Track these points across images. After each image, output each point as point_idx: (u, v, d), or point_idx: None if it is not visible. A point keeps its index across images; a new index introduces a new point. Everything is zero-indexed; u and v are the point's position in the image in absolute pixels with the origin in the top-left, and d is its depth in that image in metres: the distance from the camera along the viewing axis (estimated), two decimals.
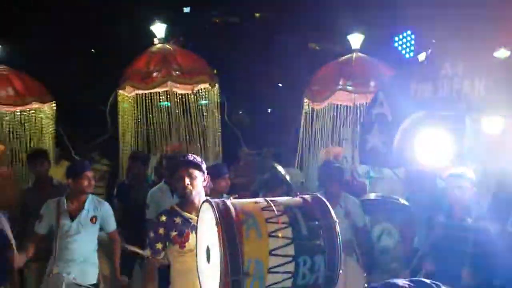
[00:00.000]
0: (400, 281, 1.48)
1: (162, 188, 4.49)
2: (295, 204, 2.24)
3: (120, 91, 6.96)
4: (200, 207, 2.28)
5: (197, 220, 2.32)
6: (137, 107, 7.12)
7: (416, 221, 3.93)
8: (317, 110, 6.97)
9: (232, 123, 7.57)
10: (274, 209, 2.16)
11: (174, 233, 2.76)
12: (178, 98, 7.09)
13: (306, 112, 7.02)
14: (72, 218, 3.73)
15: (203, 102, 7.53)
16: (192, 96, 7.18)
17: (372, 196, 4.35)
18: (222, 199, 2.18)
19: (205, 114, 7.50)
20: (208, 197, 2.37)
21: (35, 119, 7.05)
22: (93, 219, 3.77)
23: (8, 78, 6.73)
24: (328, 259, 2.12)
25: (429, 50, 3.95)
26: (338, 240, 2.15)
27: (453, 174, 3.34)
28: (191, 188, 2.79)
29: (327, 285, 2.16)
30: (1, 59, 7.03)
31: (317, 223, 2.16)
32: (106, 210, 3.88)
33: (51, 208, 3.76)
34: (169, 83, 6.71)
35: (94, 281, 3.75)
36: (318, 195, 2.32)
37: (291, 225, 2.12)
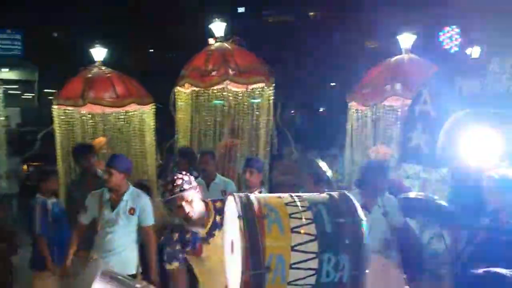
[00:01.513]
0: (503, 270, 1.43)
1: (199, 182, 4.61)
2: (321, 200, 2.20)
3: (178, 88, 7.18)
4: (226, 201, 2.30)
5: (209, 229, 2.37)
6: (192, 104, 7.31)
7: (460, 224, 3.75)
8: (363, 110, 6.82)
9: (284, 122, 7.58)
10: (298, 204, 2.13)
11: (188, 249, 2.86)
12: (232, 96, 7.21)
13: (353, 113, 6.90)
14: (112, 209, 3.87)
15: (255, 100, 7.61)
16: (246, 94, 7.28)
17: (412, 195, 4.18)
18: (246, 193, 2.18)
19: (257, 113, 7.58)
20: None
21: (138, 119, 7.54)
22: (131, 210, 3.88)
23: (111, 80, 7.19)
24: (354, 258, 2.07)
25: (484, 45, 3.76)
26: (364, 238, 2.09)
27: (498, 175, 3.16)
28: (192, 212, 2.82)
29: (353, 285, 2.11)
30: (105, 61, 7.52)
31: (342, 220, 2.11)
32: (145, 203, 3.98)
33: (95, 199, 3.92)
34: (226, 82, 6.84)
35: (133, 272, 3.86)
36: (346, 192, 2.27)
37: (315, 222, 2.08)
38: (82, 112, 7.49)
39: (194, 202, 2.83)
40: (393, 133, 6.48)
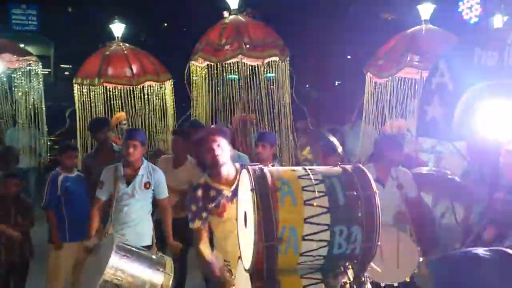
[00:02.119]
0: (480, 250, 1.44)
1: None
2: (334, 173, 2.20)
3: (193, 62, 7.17)
4: (240, 173, 2.32)
5: (234, 188, 2.37)
6: (208, 78, 7.32)
7: (475, 197, 3.71)
8: (380, 83, 6.72)
9: (299, 97, 7.54)
10: (312, 177, 2.14)
11: (211, 205, 2.85)
12: (248, 70, 7.18)
13: (369, 86, 6.80)
14: (128, 183, 3.92)
15: (270, 74, 7.56)
16: (262, 68, 7.24)
17: (424, 170, 4.14)
18: (260, 166, 2.19)
19: (271, 87, 7.55)
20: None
21: (156, 95, 7.62)
22: (146, 185, 3.93)
23: (127, 58, 7.29)
24: (366, 230, 2.08)
25: (504, 16, 3.65)
26: (377, 211, 2.10)
27: None
28: (221, 156, 2.84)
29: (364, 256, 2.13)
30: (124, 36, 7.57)
31: (355, 193, 2.11)
32: (159, 177, 4.03)
33: (109, 174, 3.97)
34: (240, 56, 6.79)
35: (149, 243, 3.93)
36: (360, 165, 2.27)
37: (328, 194, 2.09)
38: (101, 88, 7.58)
39: (224, 148, 2.86)
40: (409, 106, 6.38)
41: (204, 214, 2.86)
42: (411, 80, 6.50)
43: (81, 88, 7.45)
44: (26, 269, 4.49)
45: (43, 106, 7.72)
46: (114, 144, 5.10)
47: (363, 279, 2.15)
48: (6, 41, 7.65)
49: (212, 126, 6.18)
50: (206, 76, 7.29)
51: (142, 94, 7.70)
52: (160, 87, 7.69)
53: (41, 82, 7.70)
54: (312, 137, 6.39)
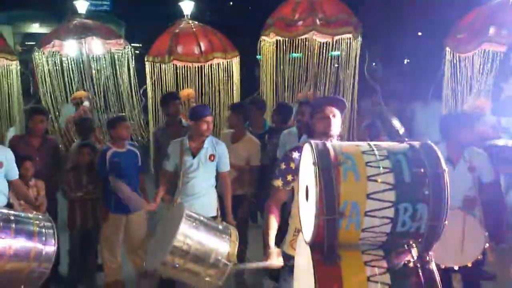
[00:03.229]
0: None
1: (291, 131, 4.66)
2: (401, 149, 2.13)
3: (263, 37, 7.18)
4: (303, 148, 2.30)
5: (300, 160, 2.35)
6: (277, 55, 7.32)
7: None
8: (461, 59, 6.31)
9: (369, 75, 7.36)
10: (376, 153, 2.09)
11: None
12: (316, 47, 7.09)
13: (448, 61, 6.44)
14: (194, 156, 4.04)
15: (335, 53, 7.42)
16: (330, 45, 7.12)
17: (501, 143, 3.86)
18: (323, 141, 2.17)
19: (336, 65, 7.42)
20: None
21: (223, 72, 7.82)
22: (211, 157, 4.05)
23: (196, 35, 7.49)
24: (433, 209, 2.01)
25: None
26: (446, 190, 2.01)
27: None
28: (333, 128, 2.78)
29: (430, 235, 2.06)
30: (192, 14, 7.80)
31: (422, 170, 2.04)
32: (223, 150, 4.13)
33: (176, 147, 4.11)
34: (312, 32, 6.71)
35: (214, 214, 4.06)
36: (429, 142, 2.18)
37: (393, 171, 2.03)
38: (170, 66, 7.81)
39: (337, 120, 2.80)
40: (487, 83, 5.95)
41: (290, 177, 2.83)
42: (494, 54, 6.01)
43: (152, 66, 7.73)
44: (97, 235, 4.78)
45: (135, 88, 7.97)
46: (183, 120, 5.25)
47: (427, 258, 2.09)
48: (97, 23, 7.92)
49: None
50: (274, 53, 7.29)
51: (210, 72, 7.86)
52: (227, 64, 7.80)
53: (132, 65, 7.92)
54: (373, 116, 6.22)
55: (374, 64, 15.11)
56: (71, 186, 4.60)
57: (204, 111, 4.09)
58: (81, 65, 8.04)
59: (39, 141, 4.81)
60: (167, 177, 4.16)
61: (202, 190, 4.05)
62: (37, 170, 4.55)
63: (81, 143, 4.96)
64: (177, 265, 3.31)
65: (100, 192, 4.68)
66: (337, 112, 2.82)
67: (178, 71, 7.98)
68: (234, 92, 7.83)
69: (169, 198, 4.37)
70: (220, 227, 3.62)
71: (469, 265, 3.45)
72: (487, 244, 3.37)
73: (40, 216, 3.62)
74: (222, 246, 3.44)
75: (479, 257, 3.45)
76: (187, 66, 7.97)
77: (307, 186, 2.21)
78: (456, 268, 3.42)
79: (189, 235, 3.36)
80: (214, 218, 3.96)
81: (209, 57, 7.56)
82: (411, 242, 2.13)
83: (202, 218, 3.59)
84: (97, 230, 4.75)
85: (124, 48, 7.91)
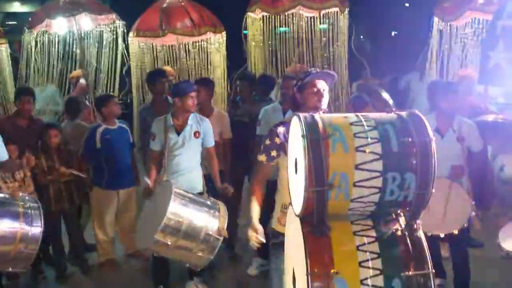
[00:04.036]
0: None
1: (275, 107, 4.60)
2: (388, 119, 2.14)
3: (249, 13, 7.10)
4: (291, 120, 2.30)
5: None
6: (262, 31, 7.25)
7: None
8: (449, 29, 6.31)
9: (356, 50, 7.32)
10: (364, 124, 2.09)
11: (287, 145, 2.67)
12: (303, 22, 7.03)
13: (435, 32, 6.43)
14: (178, 133, 4.00)
15: (323, 26, 7.36)
16: (317, 20, 7.06)
17: (490, 118, 3.91)
18: (311, 113, 2.17)
19: (324, 39, 7.37)
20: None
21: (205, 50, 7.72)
22: (196, 134, 4.00)
23: (185, 9, 7.37)
24: (420, 178, 2.03)
25: None
26: (433, 158, 2.03)
27: None
28: (323, 102, 2.77)
29: (418, 203, 2.09)
30: None
31: (410, 139, 2.05)
32: (207, 126, 4.09)
33: (160, 125, 4.06)
34: (298, 7, 6.65)
35: (200, 190, 4.04)
36: (416, 111, 2.19)
37: (380, 141, 2.05)
38: (155, 43, 7.68)
39: (327, 94, 2.78)
40: (473, 52, 5.96)
41: (274, 153, 2.80)
42: (481, 21, 6.00)
43: (137, 42, 7.58)
44: (76, 213, 4.76)
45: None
46: (169, 98, 5.20)
47: (415, 226, 2.12)
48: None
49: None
50: (260, 28, 7.22)
51: (199, 48, 7.75)
52: (218, 42, 7.70)
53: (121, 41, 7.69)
54: (360, 89, 6.23)
55: (362, 37, 15.01)
56: (43, 170, 4.44)
57: (188, 87, 4.03)
58: (70, 44, 7.86)
59: (26, 122, 4.75)
60: (156, 157, 4.10)
61: (188, 167, 4.02)
62: (23, 152, 4.50)
63: (47, 124, 4.79)
64: (168, 243, 3.34)
65: (76, 172, 4.56)
66: (326, 86, 2.82)
67: (161, 48, 7.87)
68: (219, 70, 7.73)
69: (157, 177, 4.33)
70: (209, 202, 3.65)
71: (455, 232, 3.49)
72: (474, 213, 3.41)
73: (26, 198, 3.60)
74: (212, 221, 3.48)
75: (465, 225, 3.50)
76: (166, 45, 7.85)
77: (296, 159, 2.22)
78: (442, 235, 3.47)
79: (178, 212, 3.38)
80: (201, 194, 3.94)
81: (201, 31, 7.45)
82: (398, 211, 2.16)
83: (190, 195, 3.61)
84: (74, 210, 4.71)
85: (114, 22, 7.71)
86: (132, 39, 7.59)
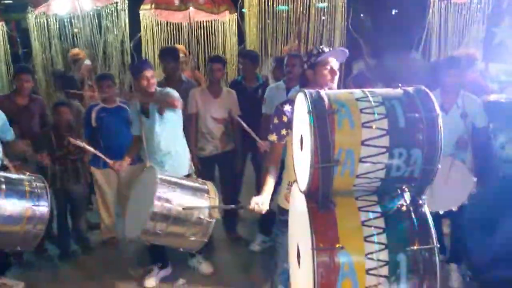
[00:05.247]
0: None
1: (279, 86, 4.59)
2: (395, 95, 2.13)
3: None
4: (294, 98, 2.29)
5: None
6: (259, 9, 7.17)
7: None
8: (447, 5, 6.23)
9: (353, 29, 7.23)
10: (371, 99, 2.08)
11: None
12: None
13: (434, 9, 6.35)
14: (147, 115, 3.85)
15: (321, 4, 7.27)
16: None
17: (494, 97, 3.90)
18: (317, 89, 2.15)
19: (323, 18, 7.29)
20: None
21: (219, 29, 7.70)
22: (159, 111, 3.80)
23: None
24: (427, 153, 2.03)
25: None
26: (440, 133, 2.02)
27: None
28: (332, 82, 2.77)
29: (424, 179, 2.09)
30: None
31: (417, 115, 2.04)
32: (169, 97, 3.79)
33: (133, 110, 3.96)
34: None
35: (186, 172, 3.94)
36: (422, 87, 2.17)
37: (387, 117, 2.04)
38: (168, 19, 7.59)
39: (336, 73, 2.79)
40: (477, 30, 5.88)
41: (283, 131, 2.81)
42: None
43: (149, 17, 7.50)
44: (83, 194, 4.76)
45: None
46: (183, 75, 5.16)
47: (420, 201, 2.13)
48: None
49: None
50: (258, 6, 7.14)
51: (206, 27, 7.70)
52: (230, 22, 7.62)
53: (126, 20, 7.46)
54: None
55: (362, 15, 14.83)
56: (53, 146, 4.49)
57: (142, 66, 3.86)
58: (68, 24, 7.74)
59: (25, 101, 4.72)
60: (135, 141, 4.00)
61: (167, 147, 3.89)
62: (23, 131, 4.49)
63: (57, 102, 4.83)
64: (159, 231, 3.29)
65: (81, 151, 4.59)
66: (338, 64, 2.83)
67: (168, 27, 7.79)
68: (230, 47, 7.69)
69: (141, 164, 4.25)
70: (197, 184, 3.53)
71: (454, 209, 3.51)
72: (474, 190, 3.43)
73: (33, 177, 3.59)
74: (202, 204, 3.37)
75: (465, 202, 3.51)
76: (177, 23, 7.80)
77: (301, 136, 2.21)
78: (441, 212, 3.49)
79: (166, 198, 3.28)
80: (188, 176, 3.85)
81: (221, 9, 7.43)
82: (404, 187, 2.17)
83: (176, 179, 3.47)
84: (81, 190, 4.71)
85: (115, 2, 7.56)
86: (145, 12, 7.44)
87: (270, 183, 2.78)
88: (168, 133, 3.89)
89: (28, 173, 3.60)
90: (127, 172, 4.72)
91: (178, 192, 3.36)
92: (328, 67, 2.78)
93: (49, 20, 7.66)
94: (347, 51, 2.88)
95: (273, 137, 2.85)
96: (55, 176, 4.50)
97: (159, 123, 3.84)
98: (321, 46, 2.85)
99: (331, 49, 2.85)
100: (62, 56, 7.65)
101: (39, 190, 3.46)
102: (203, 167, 4.56)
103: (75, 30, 7.62)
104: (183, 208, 3.28)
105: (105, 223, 4.85)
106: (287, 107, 2.80)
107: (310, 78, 2.82)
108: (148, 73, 3.79)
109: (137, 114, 3.93)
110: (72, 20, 7.65)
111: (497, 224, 3.23)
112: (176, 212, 3.29)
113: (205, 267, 4.28)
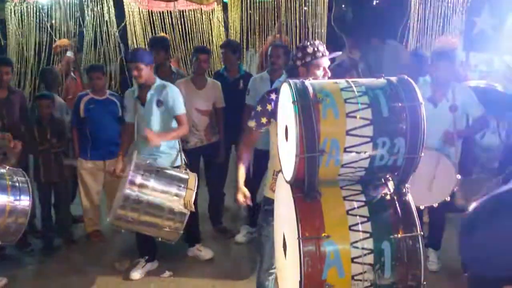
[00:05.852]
0: None
1: (263, 76, 4.58)
2: (378, 85, 2.14)
3: None
4: (280, 87, 2.28)
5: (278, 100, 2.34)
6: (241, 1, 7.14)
7: None
8: None
9: (335, 21, 7.24)
10: (355, 89, 2.09)
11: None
12: None
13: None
14: (143, 104, 3.87)
15: None
16: None
17: (473, 84, 3.94)
18: (301, 79, 2.15)
19: (305, 8, 7.29)
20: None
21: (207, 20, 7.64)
22: (158, 103, 3.84)
23: None
24: (410, 142, 2.05)
25: None
26: (423, 122, 2.04)
27: None
28: (327, 74, 2.84)
29: (407, 168, 2.11)
30: None
31: (400, 104, 2.06)
32: (171, 93, 3.86)
33: (129, 98, 3.97)
34: None
35: (175, 164, 3.91)
36: (405, 76, 2.19)
37: (371, 106, 2.05)
38: (153, 9, 7.51)
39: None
40: (456, 19, 5.94)
41: (264, 119, 2.82)
42: None
43: (134, 8, 7.40)
44: (66, 187, 4.72)
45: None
46: (172, 66, 5.11)
47: (404, 190, 2.16)
48: None
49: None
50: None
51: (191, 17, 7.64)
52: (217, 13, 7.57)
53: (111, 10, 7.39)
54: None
55: (343, 6, 14.84)
56: (36, 140, 4.46)
57: (131, 57, 3.85)
58: (48, 13, 7.57)
59: (4, 93, 4.63)
60: (129, 129, 4.02)
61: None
62: (3, 124, 4.41)
63: (38, 94, 4.77)
64: (130, 219, 3.29)
65: (65, 144, 4.58)
66: (328, 62, 2.90)
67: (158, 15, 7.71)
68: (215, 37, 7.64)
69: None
70: (176, 174, 3.53)
71: (435, 205, 3.55)
72: (457, 188, 3.45)
73: (13, 171, 3.54)
74: (178, 195, 3.37)
75: (446, 199, 3.55)
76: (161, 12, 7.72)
77: (286, 126, 2.22)
78: (422, 208, 3.52)
79: (139, 184, 3.29)
80: (177, 167, 3.82)
81: (210, 0, 7.38)
82: (387, 176, 2.19)
83: (153, 167, 3.47)
84: (64, 183, 4.68)
85: None
86: (129, 1, 7.33)
87: (242, 172, 2.93)
88: (160, 125, 3.90)
89: (8, 167, 3.54)
90: (112, 164, 4.67)
91: (153, 180, 3.38)
92: (321, 68, 2.84)
93: (28, 8, 7.49)
94: (340, 53, 2.93)
95: (252, 123, 2.88)
96: (38, 169, 4.45)
97: (154, 114, 3.86)
98: (316, 43, 2.85)
99: (324, 46, 2.86)
100: (39, 47, 7.49)
101: (20, 184, 3.41)
102: (188, 159, 4.54)
103: (53, 21, 7.48)
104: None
105: (88, 215, 4.80)
106: (273, 96, 2.82)
107: (302, 75, 2.84)
108: (139, 64, 3.76)
109: (133, 101, 3.93)
110: (52, 9, 7.50)
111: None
112: (146, 201, 3.30)
113: (206, 253, 4.34)
